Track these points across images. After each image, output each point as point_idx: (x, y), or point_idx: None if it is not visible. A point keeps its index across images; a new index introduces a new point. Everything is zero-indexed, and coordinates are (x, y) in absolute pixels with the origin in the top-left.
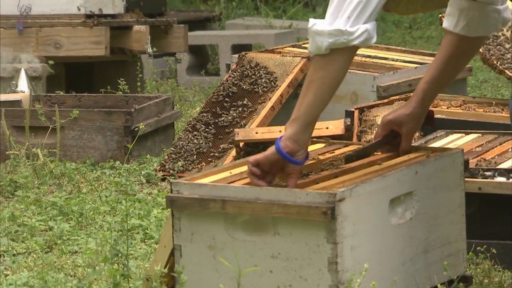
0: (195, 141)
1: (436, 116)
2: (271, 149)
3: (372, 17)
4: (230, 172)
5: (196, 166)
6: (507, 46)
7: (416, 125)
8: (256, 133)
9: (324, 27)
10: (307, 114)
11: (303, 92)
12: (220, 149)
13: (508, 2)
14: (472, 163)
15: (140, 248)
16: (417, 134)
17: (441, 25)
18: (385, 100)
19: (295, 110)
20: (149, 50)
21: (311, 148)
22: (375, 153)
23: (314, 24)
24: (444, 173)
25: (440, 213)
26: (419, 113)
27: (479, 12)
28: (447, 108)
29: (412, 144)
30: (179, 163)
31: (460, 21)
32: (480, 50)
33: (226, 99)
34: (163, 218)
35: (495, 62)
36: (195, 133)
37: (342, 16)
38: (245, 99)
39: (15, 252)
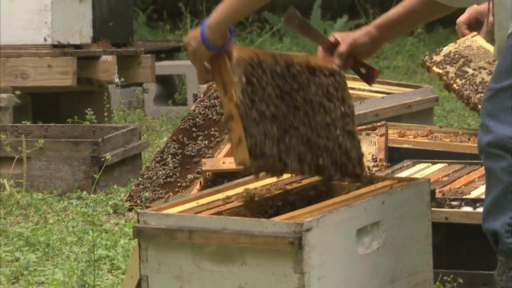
0: (162, 171)
1: (403, 146)
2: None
3: None
4: (197, 202)
5: (163, 196)
6: (477, 81)
7: (368, 43)
8: (223, 163)
9: None
10: (230, 20)
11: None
12: (187, 179)
13: None
14: (439, 193)
15: (107, 279)
16: (384, 164)
17: (427, 70)
18: None
19: (225, 6)
20: (116, 80)
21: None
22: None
23: None
24: (411, 203)
25: (407, 243)
26: (373, 33)
27: None
28: (414, 138)
29: (379, 174)
30: (146, 193)
31: None
32: (456, 87)
33: (193, 129)
34: (130, 249)
35: (468, 97)
36: (162, 163)
37: None
38: (212, 129)
39: None
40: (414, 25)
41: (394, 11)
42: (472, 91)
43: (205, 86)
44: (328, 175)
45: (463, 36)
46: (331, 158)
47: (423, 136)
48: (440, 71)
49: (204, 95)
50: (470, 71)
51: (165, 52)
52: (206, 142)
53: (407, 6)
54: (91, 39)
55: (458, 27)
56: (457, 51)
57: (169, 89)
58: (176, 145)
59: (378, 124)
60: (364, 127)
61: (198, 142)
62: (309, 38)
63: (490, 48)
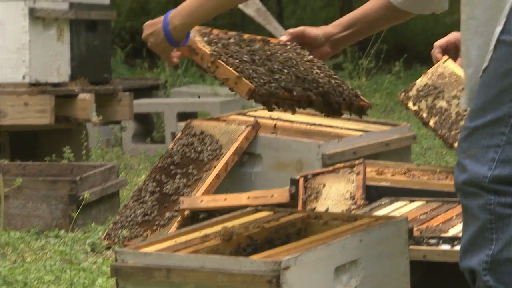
0: (140, 209)
1: (381, 184)
2: (160, 18)
3: None
4: (175, 241)
5: (141, 234)
6: (452, 117)
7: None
8: (201, 201)
9: None
10: (197, 20)
11: (202, 0)
12: (165, 217)
13: None
14: (417, 231)
15: None
16: (362, 202)
17: (402, 102)
18: (330, 168)
19: (189, 8)
20: (94, 118)
21: (256, 216)
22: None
23: None
24: (389, 241)
25: (385, 281)
26: (332, 32)
27: None
28: (392, 175)
29: (357, 212)
30: (124, 231)
31: None
32: (432, 124)
33: (171, 167)
34: (108, 287)
35: (444, 136)
36: (140, 201)
37: None
38: (191, 167)
39: None
40: (372, 28)
41: (352, 13)
42: (447, 129)
43: (183, 124)
44: (335, 107)
45: (437, 60)
46: (333, 89)
47: (401, 174)
48: (416, 108)
49: (182, 133)
50: (444, 104)
51: (143, 90)
52: (184, 180)
53: (364, 8)
54: (69, 77)
55: (432, 51)
56: (429, 83)
57: (147, 127)
58: (154, 183)
59: (356, 162)
60: (341, 165)
61: (176, 180)
62: (265, 25)
63: (461, 73)
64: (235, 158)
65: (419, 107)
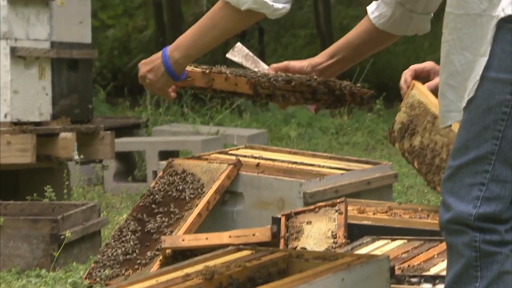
0: (121, 248)
1: (362, 222)
2: (158, 54)
3: None
4: (157, 280)
5: (123, 273)
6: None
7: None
8: (183, 240)
9: None
10: (198, 52)
11: (204, 29)
12: (147, 257)
13: None
14: (398, 269)
15: None
16: (343, 241)
17: (392, 144)
18: (312, 207)
19: (190, 39)
20: (76, 157)
21: (237, 255)
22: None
23: None
24: (371, 280)
25: None
26: (317, 62)
27: (399, 13)
28: (373, 214)
29: (339, 251)
30: (106, 270)
31: (384, 18)
32: (416, 165)
33: (153, 205)
34: None
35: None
36: (122, 240)
37: None
38: (172, 205)
39: None
40: (358, 54)
41: (337, 41)
42: (427, 171)
43: (164, 163)
44: (339, 95)
45: (404, 82)
46: (332, 80)
47: (382, 213)
48: (400, 148)
49: (163, 172)
50: (418, 141)
51: (125, 129)
52: (166, 219)
53: (348, 35)
54: (51, 116)
55: (404, 73)
56: (405, 119)
57: (129, 165)
58: (135, 222)
59: (338, 200)
60: (323, 203)
61: (157, 219)
62: (254, 68)
63: (427, 99)
64: (216, 196)
65: (403, 147)
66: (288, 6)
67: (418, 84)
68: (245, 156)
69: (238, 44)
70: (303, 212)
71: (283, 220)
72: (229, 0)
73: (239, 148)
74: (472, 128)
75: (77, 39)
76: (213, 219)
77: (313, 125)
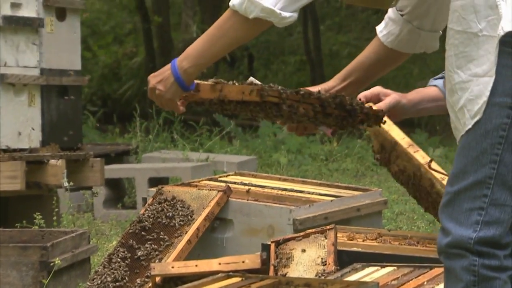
0: (111, 275)
1: (352, 249)
2: (167, 66)
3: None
4: None
5: None
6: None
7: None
8: (173, 267)
9: (261, 0)
10: (208, 61)
11: (213, 38)
12: (136, 284)
13: None
14: None
15: None
16: (333, 267)
17: (375, 159)
18: (302, 233)
19: (199, 49)
20: (66, 184)
21: (227, 282)
22: None
23: None
24: None
25: None
26: (330, 86)
27: (407, 30)
28: (363, 241)
29: (329, 278)
30: None
31: (392, 36)
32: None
33: (142, 232)
34: None
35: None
36: (111, 267)
37: None
38: (162, 232)
39: None
40: (370, 75)
41: (349, 64)
42: (425, 201)
43: (154, 189)
44: (350, 111)
45: None
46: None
47: (372, 239)
48: (391, 172)
49: (153, 199)
50: (396, 168)
51: (115, 156)
52: (156, 246)
53: (359, 57)
54: (40, 143)
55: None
56: (377, 146)
57: (118, 192)
58: (125, 249)
59: (327, 227)
60: (313, 230)
61: (147, 246)
62: None
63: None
64: (206, 223)
65: (392, 170)
66: (295, 15)
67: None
68: (235, 183)
69: (251, 78)
70: (293, 239)
71: (272, 247)
72: (237, 9)
73: (229, 175)
74: (470, 153)
75: (66, 66)
76: (203, 246)
77: (302, 151)
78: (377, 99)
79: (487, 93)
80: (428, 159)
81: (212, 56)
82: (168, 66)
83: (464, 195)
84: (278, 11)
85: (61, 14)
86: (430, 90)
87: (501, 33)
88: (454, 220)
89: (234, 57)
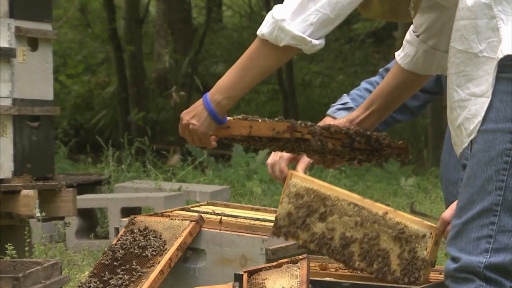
0: None
1: (324, 279)
2: (199, 101)
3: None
4: None
5: None
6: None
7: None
8: None
9: (291, 28)
10: (240, 92)
11: (244, 69)
12: None
13: None
14: None
15: None
16: None
17: (281, 236)
18: (274, 263)
19: (231, 81)
20: (38, 214)
21: None
22: None
23: (283, 20)
24: None
25: None
26: (354, 116)
27: (422, 51)
28: (336, 270)
29: None
30: None
31: (408, 57)
32: (325, 252)
33: (115, 263)
34: None
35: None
36: None
37: (306, 21)
38: (134, 262)
39: None
40: (391, 101)
41: (372, 92)
42: (339, 257)
43: (126, 219)
44: (375, 146)
45: (280, 173)
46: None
47: (344, 269)
48: (295, 240)
49: (125, 229)
50: (320, 228)
51: (87, 186)
52: (128, 276)
53: (380, 85)
54: (12, 173)
55: (275, 163)
56: (292, 210)
57: (91, 222)
58: (97, 280)
59: (300, 257)
60: (285, 260)
61: (119, 276)
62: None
63: (314, 183)
64: (179, 253)
65: (300, 238)
66: (323, 42)
67: (295, 172)
68: (207, 213)
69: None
70: (265, 268)
71: (245, 277)
72: (267, 38)
73: (201, 205)
74: (475, 182)
75: (39, 96)
76: (175, 276)
77: (275, 181)
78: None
79: (483, 113)
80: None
81: (244, 87)
82: (200, 101)
83: (472, 224)
84: (309, 39)
85: (33, 44)
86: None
87: (500, 55)
88: (462, 251)
89: (206, 86)
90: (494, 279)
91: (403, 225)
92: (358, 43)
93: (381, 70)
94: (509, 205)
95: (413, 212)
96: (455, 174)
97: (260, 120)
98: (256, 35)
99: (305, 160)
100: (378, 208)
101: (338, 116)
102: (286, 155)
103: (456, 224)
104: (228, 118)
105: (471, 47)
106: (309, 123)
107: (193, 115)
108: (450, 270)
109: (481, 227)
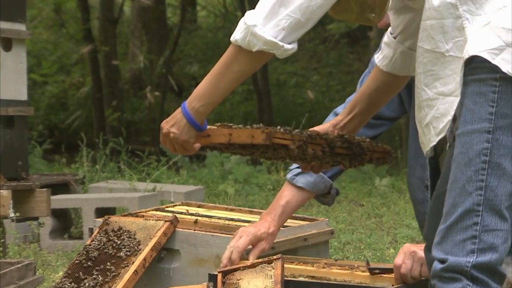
0: None
1: (298, 279)
2: (177, 110)
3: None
4: None
5: None
6: None
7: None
8: None
9: (263, 33)
10: (217, 98)
11: (219, 75)
12: None
13: None
14: None
15: None
16: None
17: None
18: (248, 263)
19: (207, 87)
20: (12, 214)
21: None
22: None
23: (255, 25)
24: None
25: None
26: (337, 120)
27: (399, 52)
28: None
29: None
30: None
31: (386, 59)
32: None
33: (89, 263)
34: None
35: None
36: None
37: (277, 26)
38: (108, 263)
39: None
40: (373, 104)
41: (354, 97)
42: None
43: (100, 220)
44: (356, 151)
45: (231, 264)
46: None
47: (319, 269)
48: None
49: (100, 229)
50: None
51: (61, 186)
52: (102, 277)
53: (362, 88)
54: None
55: (229, 251)
56: None
57: (65, 222)
58: (71, 280)
59: (274, 257)
60: (260, 260)
61: (93, 276)
62: None
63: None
64: (153, 253)
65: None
66: (296, 46)
67: None
68: (181, 213)
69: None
70: (240, 269)
71: (219, 277)
72: (240, 44)
73: (176, 205)
74: (457, 185)
75: (12, 96)
76: (150, 276)
77: (250, 181)
78: (256, 243)
79: (452, 112)
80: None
81: (221, 93)
82: (179, 109)
83: (456, 227)
84: (281, 43)
85: (7, 44)
86: (291, 201)
87: (466, 56)
88: (449, 254)
89: (181, 87)
90: (481, 279)
91: (365, 283)
92: (332, 44)
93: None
94: (490, 204)
95: (370, 270)
96: (419, 194)
97: (240, 128)
98: (229, 35)
99: (260, 247)
100: (336, 275)
101: None
102: (242, 243)
103: (441, 229)
104: (209, 126)
105: (438, 46)
106: (288, 129)
107: (173, 124)
108: (437, 270)
109: (465, 228)
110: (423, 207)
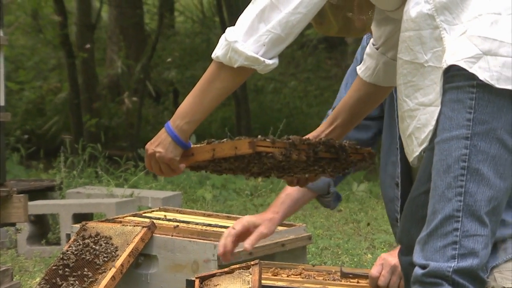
0: None
1: (276, 284)
2: (161, 130)
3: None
4: None
5: None
6: None
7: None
8: None
9: (244, 49)
10: (200, 115)
11: (202, 92)
12: None
13: None
14: None
15: None
16: None
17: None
18: (226, 269)
19: (190, 105)
20: None
21: None
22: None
23: (236, 41)
24: None
25: None
26: (319, 131)
27: (382, 63)
28: (287, 276)
29: None
30: None
31: (369, 70)
32: None
33: (66, 269)
34: None
35: None
36: None
37: (258, 41)
38: (86, 269)
39: None
40: (355, 114)
41: (336, 107)
42: None
43: (78, 226)
44: (340, 154)
45: (226, 249)
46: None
47: (296, 275)
48: None
49: (77, 235)
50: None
51: (39, 192)
52: (79, 282)
53: (343, 99)
54: None
55: (224, 237)
56: None
57: (42, 228)
58: (48, 286)
59: (252, 262)
60: (237, 266)
61: (71, 282)
62: None
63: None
64: (130, 259)
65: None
66: (277, 61)
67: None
68: (159, 219)
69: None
70: (217, 274)
71: (197, 282)
72: (221, 60)
73: (153, 211)
74: (436, 192)
75: None
76: (127, 282)
77: (227, 187)
78: (247, 234)
79: (433, 122)
80: None
81: (204, 110)
82: (163, 130)
83: (436, 233)
84: (262, 59)
85: None
86: (293, 197)
87: (445, 65)
88: (429, 260)
89: (159, 92)
90: (462, 284)
91: None
92: (310, 49)
93: None
94: (471, 209)
95: (344, 276)
96: (390, 191)
97: (222, 142)
98: (207, 41)
99: (257, 232)
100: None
101: None
102: (233, 232)
103: (422, 237)
104: (193, 145)
105: (417, 57)
106: (271, 137)
107: (158, 144)
108: (418, 275)
109: (445, 234)
110: (393, 205)
